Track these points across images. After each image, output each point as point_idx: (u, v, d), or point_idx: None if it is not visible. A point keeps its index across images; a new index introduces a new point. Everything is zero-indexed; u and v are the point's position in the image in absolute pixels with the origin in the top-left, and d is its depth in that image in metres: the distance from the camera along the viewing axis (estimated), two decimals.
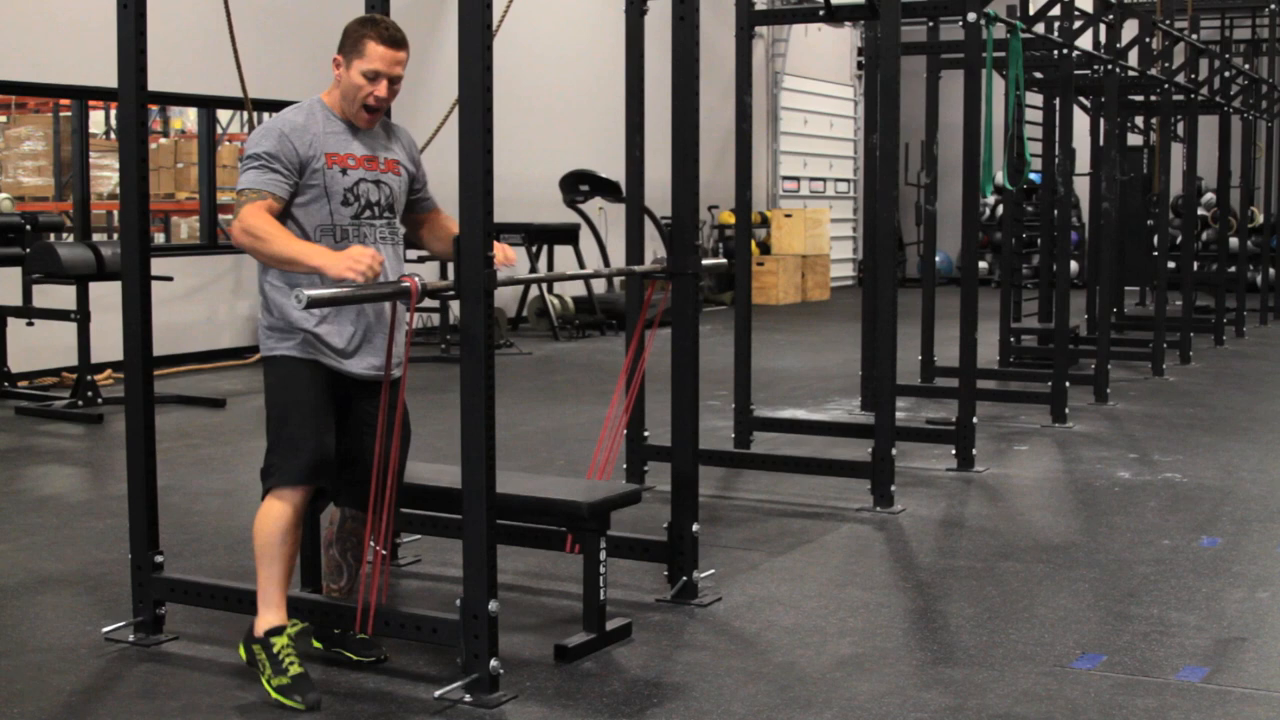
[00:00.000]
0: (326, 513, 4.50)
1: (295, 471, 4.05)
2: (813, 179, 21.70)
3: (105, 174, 12.89)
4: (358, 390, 4.21)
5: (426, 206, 4.45)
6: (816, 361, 12.19)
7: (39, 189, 13.26)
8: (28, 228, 9.85)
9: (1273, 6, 17.84)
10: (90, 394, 9.03)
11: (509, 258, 4.14)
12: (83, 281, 9.10)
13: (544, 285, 14.00)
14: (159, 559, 4.49)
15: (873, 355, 8.50)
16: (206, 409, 9.25)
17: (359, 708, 3.96)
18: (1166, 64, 12.56)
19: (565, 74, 15.61)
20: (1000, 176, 8.25)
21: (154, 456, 4.48)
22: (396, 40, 4.13)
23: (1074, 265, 16.83)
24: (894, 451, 6.50)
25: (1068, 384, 8.95)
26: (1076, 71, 10.32)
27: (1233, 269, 15.45)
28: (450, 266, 8.90)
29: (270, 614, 4.09)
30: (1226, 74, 14.65)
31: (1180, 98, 12.52)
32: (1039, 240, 12.01)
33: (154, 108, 14.57)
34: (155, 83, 4.78)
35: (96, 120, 14.48)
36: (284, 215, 4.06)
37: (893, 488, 6.48)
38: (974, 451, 7.42)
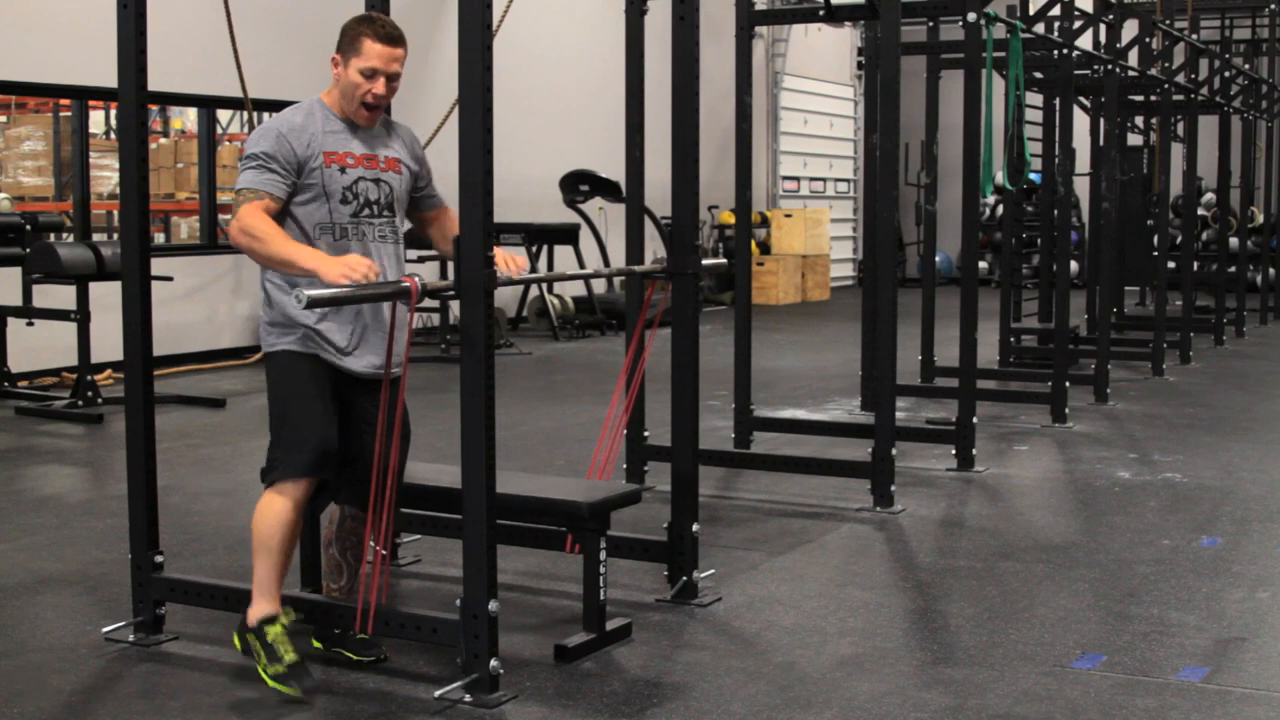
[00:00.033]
0: (326, 512, 4.51)
1: (299, 465, 4.07)
2: (813, 179, 21.70)
3: (105, 174, 12.89)
4: (357, 389, 4.22)
5: (433, 204, 4.45)
6: (816, 361, 12.19)
7: (39, 189, 13.26)
8: (28, 228, 9.85)
9: (1273, 6, 17.84)
10: (90, 394, 9.03)
11: (520, 267, 4.14)
12: (83, 281, 9.10)
13: (544, 285, 14.01)
14: (159, 559, 4.49)
15: (873, 355, 8.50)
16: (206, 409, 9.25)
17: (359, 708, 3.96)
18: (1166, 64, 12.57)
19: (565, 74, 15.60)
20: (1000, 176, 8.25)
21: (154, 456, 4.48)
22: (393, 37, 4.14)
23: (1074, 265, 16.83)
24: (894, 451, 6.50)
25: (1068, 384, 8.95)
26: (1076, 71, 10.32)
27: (1233, 269, 15.45)
28: (451, 266, 8.90)
29: (264, 603, 4.11)
30: (1226, 74, 14.65)
31: (1180, 98, 12.52)
32: (1039, 240, 12.01)
33: (154, 108, 14.57)
34: (155, 83, 4.78)
35: (96, 120, 14.47)
36: (283, 214, 4.08)
37: (893, 488, 6.48)
38: (974, 451, 7.42)
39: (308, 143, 4.09)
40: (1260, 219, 18.51)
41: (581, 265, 14.37)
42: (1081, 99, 12.40)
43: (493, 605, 3.91)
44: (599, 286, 15.16)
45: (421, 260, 11.67)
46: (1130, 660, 4.37)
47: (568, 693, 4.08)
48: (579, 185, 14.06)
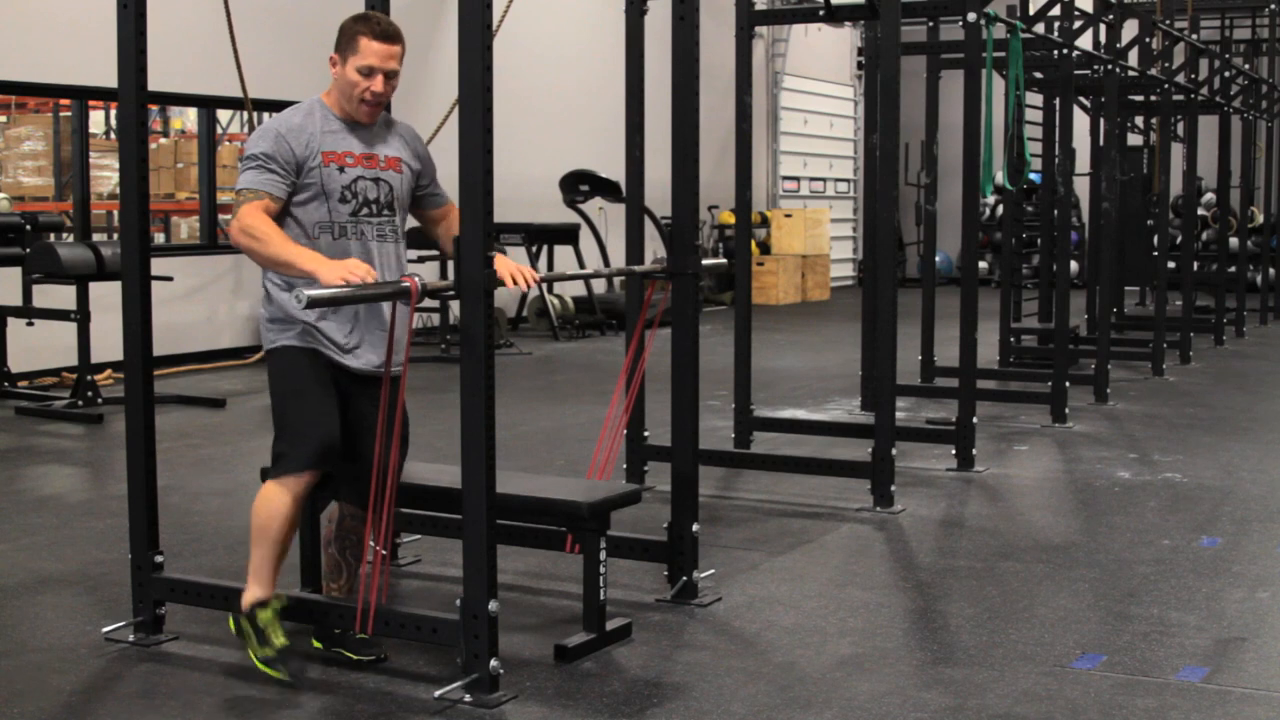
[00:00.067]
0: (326, 511, 4.51)
1: (302, 458, 4.09)
2: (813, 179, 21.70)
3: (105, 174, 12.89)
4: (357, 387, 4.23)
5: (438, 202, 4.45)
6: (816, 361, 12.19)
7: (39, 189, 13.26)
8: (28, 228, 9.85)
9: (1273, 6, 17.84)
10: (90, 394, 9.03)
11: (531, 280, 4.14)
12: (83, 281, 9.10)
13: (544, 285, 14.00)
14: (159, 559, 4.49)
15: (873, 355, 8.50)
16: (206, 409, 9.25)
17: (359, 708, 3.96)
18: (1166, 64, 12.56)
19: (565, 74, 15.60)
20: (1000, 176, 8.25)
21: (154, 456, 4.48)
22: (390, 35, 4.15)
23: (1074, 265, 16.83)
24: (894, 451, 6.50)
25: (1068, 384, 8.95)
26: (1076, 71, 10.32)
27: (1233, 269, 15.45)
28: (451, 266, 8.89)
29: (257, 588, 4.15)
30: (1226, 74, 14.64)
31: (1180, 98, 12.52)
32: (1039, 240, 12.01)
33: (154, 108, 14.57)
34: (155, 83, 4.78)
35: (96, 120, 14.47)
36: (283, 214, 4.10)
37: (893, 488, 6.48)
38: (974, 451, 7.42)
39: (306, 142, 4.11)
40: (1260, 219, 18.51)
41: (581, 265, 14.38)
42: (1081, 99, 12.40)
43: (493, 605, 3.91)
44: (599, 286, 15.16)
45: (421, 260, 11.67)
46: (1130, 660, 4.37)
47: (568, 693, 4.08)
48: (579, 185, 14.06)
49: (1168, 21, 12.33)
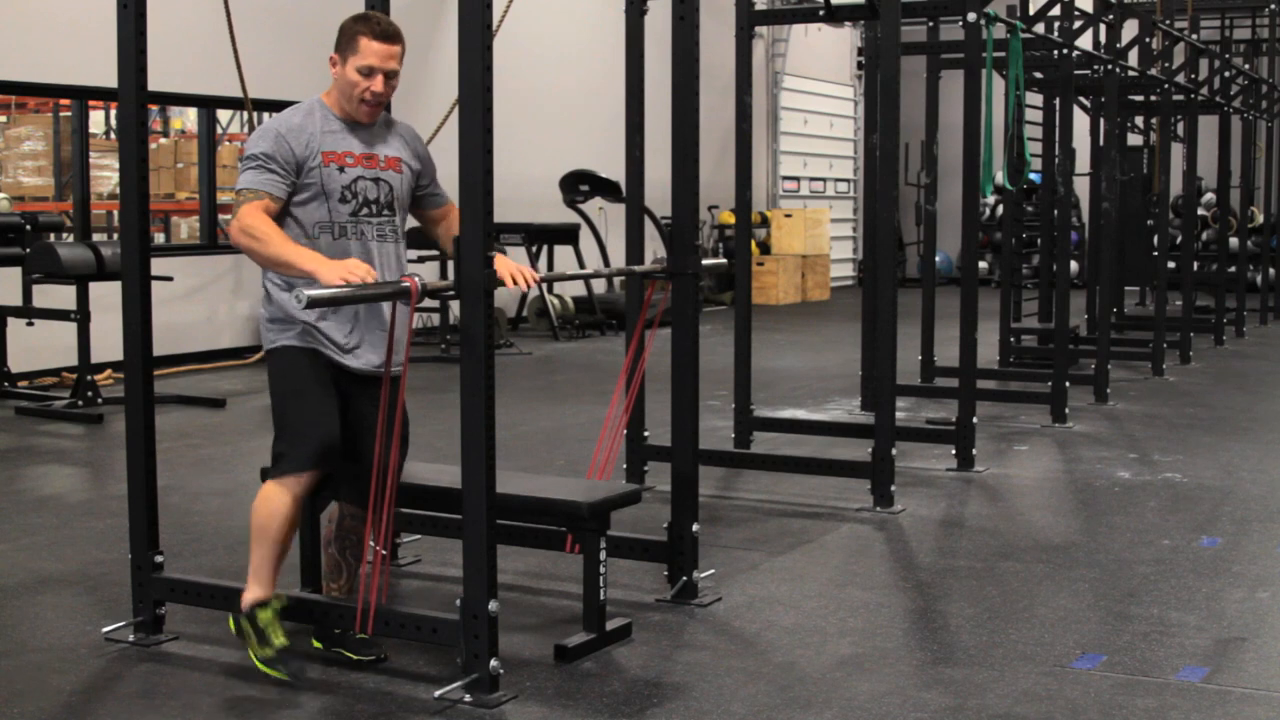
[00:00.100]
0: (326, 511, 4.51)
1: (302, 458, 4.09)
2: (813, 179, 21.70)
3: (105, 174, 12.89)
4: (357, 387, 4.23)
5: (438, 202, 4.45)
6: (816, 361, 12.19)
7: (39, 189, 13.26)
8: (28, 228, 9.85)
9: (1273, 6, 17.84)
10: (90, 394, 9.03)
11: (531, 280, 4.14)
12: (83, 281, 9.11)
13: (544, 285, 14.00)
14: (159, 559, 4.49)
15: (873, 355, 8.50)
16: (206, 409, 9.25)
17: (359, 708, 3.96)
18: (1166, 64, 12.56)
19: (565, 74, 15.60)
20: (1000, 176, 8.25)
21: (154, 456, 4.48)
22: (389, 35, 4.16)
23: (1074, 265, 16.83)
24: (894, 451, 6.50)
25: (1068, 384, 8.95)
26: (1076, 71, 10.32)
27: (1233, 269, 15.45)
28: (451, 266, 8.89)
29: (258, 588, 4.15)
30: (1226, 74, 14.64)
31: (1180, 98, 12.52)
32: (1039, 240, 12.01)
33: (154, 108, 14.57)
34: (155, 83, 4.78)
35: (96, 120, 14.47)
36: (283, 214, 4.10)
37: (893, 488, 6.48)
38: (974, 451, 7.42)
39: (306, 142, 4.11)
40: (1260, 219, 18.51)
41: (581, 265, 14.37)
42: (1081, 99, 12.40)
43: (493, 605, 3.91)
44: (599, 286, 15.16)
45: (421, 260, 11.67)
46: (1130, 660, 4.37)
47: (568, 693, 4.08)
48: (579, 185, 14.05)
49: (1168, 21, 12.33)
